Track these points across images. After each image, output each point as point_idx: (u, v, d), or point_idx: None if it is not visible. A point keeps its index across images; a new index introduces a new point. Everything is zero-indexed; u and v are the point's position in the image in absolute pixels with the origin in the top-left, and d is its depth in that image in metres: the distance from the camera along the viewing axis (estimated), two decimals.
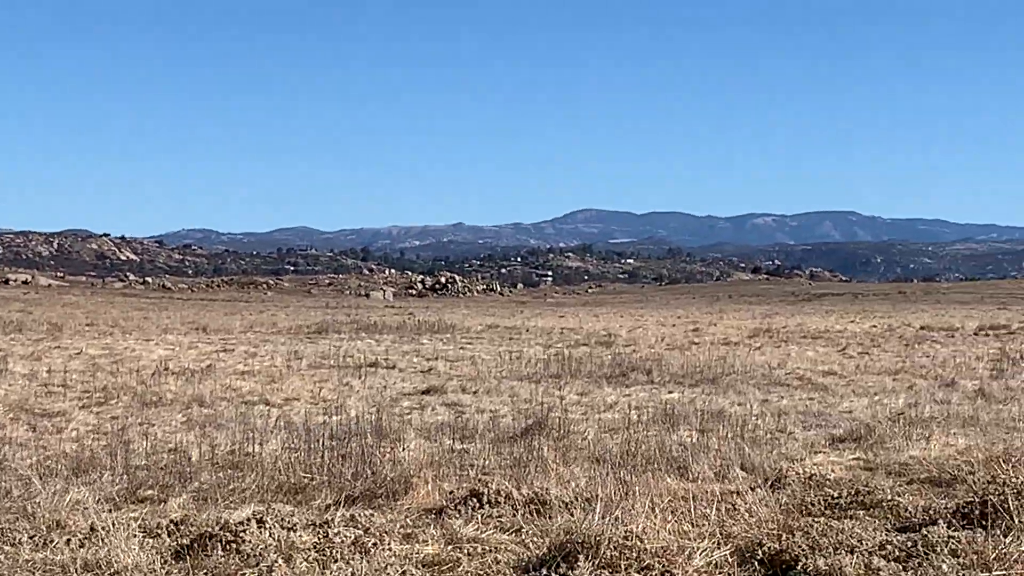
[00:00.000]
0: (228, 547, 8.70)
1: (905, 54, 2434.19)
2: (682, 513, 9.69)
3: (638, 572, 8.07)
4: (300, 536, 8.93)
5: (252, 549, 8.63)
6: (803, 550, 8.47)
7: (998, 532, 8.83)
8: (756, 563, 8.50)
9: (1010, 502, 9.29)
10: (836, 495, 10.56)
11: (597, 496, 10.02)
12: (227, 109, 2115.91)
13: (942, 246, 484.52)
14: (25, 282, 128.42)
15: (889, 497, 10.40)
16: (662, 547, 8.35)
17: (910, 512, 9.97)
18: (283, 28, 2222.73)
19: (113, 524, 9.29)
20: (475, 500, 10.34)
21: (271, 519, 9.19)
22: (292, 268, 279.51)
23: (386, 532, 9.23)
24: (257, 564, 8.35)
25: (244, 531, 8.89)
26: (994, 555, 8.27)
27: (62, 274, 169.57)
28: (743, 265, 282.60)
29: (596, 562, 8.13)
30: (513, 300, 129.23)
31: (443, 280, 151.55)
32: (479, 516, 9.97)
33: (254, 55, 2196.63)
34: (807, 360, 30.68)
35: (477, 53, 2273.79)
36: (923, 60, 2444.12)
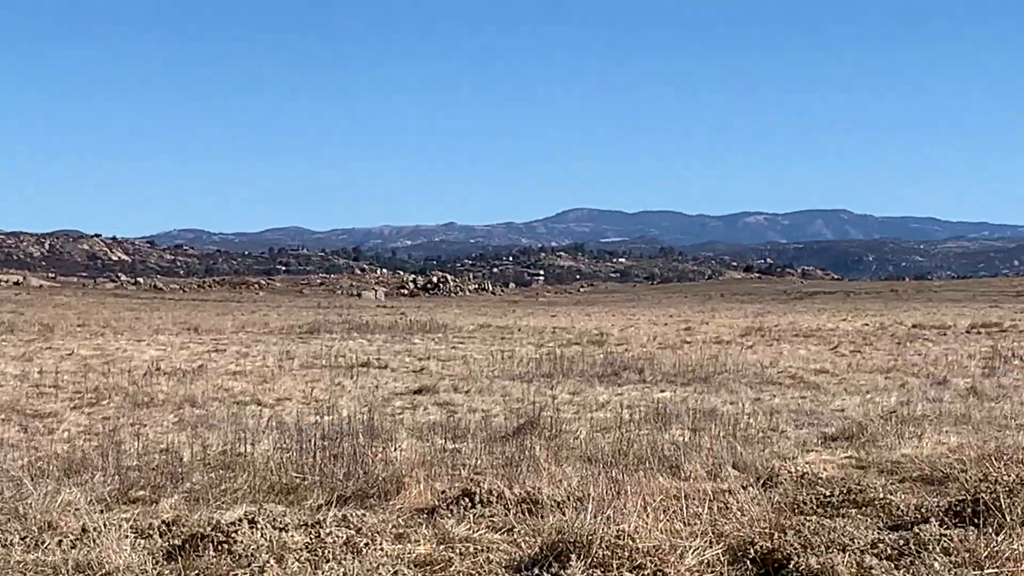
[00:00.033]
0: (220, 548, 8.69)
1: (897, 53, 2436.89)
2: (674, 512, 9.69)
3: (630, 571, 8.07)
4: (292, 536, 8.92)
5: (244, 549, 8.62)
6: (795, 549, 8.47)
7: (990, 530, 8.84)
8: (748, 562, 8.50)
9: (1002, 500, 9.30)
10: (828, 493, 10.57)
11: (589, 495, 10.01)
12: (218, 109, 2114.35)
13: (934, 244, 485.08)
14: (16, 283, 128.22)
15: (881, 495, 10.41)
16: (654, 546, 8.35)
17: (902, 510, 9.98)
18: (270, 29, 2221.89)
19: (105, 525, 9.27)
20: (467, 500, 10.33)
21: (263, 519, 9.19)
22: (284, 268, 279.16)
23: (378, 532, 9.22)
24: (249, 564, 8.34)
25: (236, 531, 8.88)
26: (986, 553, 8.27)
27: (53, 275, 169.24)
28: (735, 264, 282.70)
29: (588, 561, 8.13)
30: (505, 299, 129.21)
31: (435, 280, 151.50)
32: (471, 516, 9.96)
33: (243, 55, 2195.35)
34: (799, 358, 30.70)
35: (469, 52, 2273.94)
36: (915, 59, 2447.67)
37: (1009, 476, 10.23)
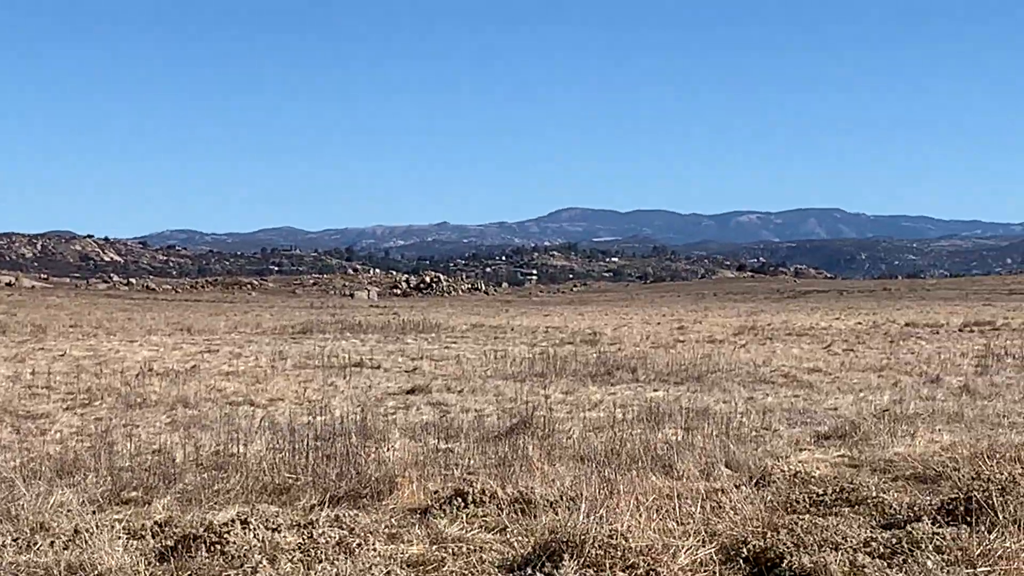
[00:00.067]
0: (212, 548, 8.68)
1: (890, 53, 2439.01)
2: (667, 511, 9.69)
3: (623, 571, 8.06)
4: (284, 537, 8.91)
5: (236, 550, 8.60)
6: (788, 548, 8.47)
7: (983, 528, 8.84)
8: (741, 561, 8.50)
9: (994, 498, 9.31)
10: (821, 492, 10.57)
11: (582, 495, 10.01)
12: (209, 110, 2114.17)
13: (927, 243, 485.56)
14: (9, 284, 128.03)
15: (874, 494, 10.41)
16: (647, 545, 8.34)
17: (895, 509, 9.98)
18: (262, 29, 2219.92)
19: (97, 526, 9.25)
20: (460, 500, 10.33)
21: (255, 520, 9.17)
22: (276, 268, 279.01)
23: (371, 532, 9.21)
24: (241, 565, 8.33)
25: (228, 532, 8.86)
26: (979, 551, 8.28)
27: (46, 276, 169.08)
28: (728, 263, 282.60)
29: (581, 561, 8.12)
30: (498, 299, 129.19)
31: (428, 279, 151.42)
32: (464, 516, 9.96)
33: (238, 56, 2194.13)
34: (792, 357, 30.70)
35: (463, 53, 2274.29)
36: (908, 59, 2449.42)
37: (1002, 474, 10.23)
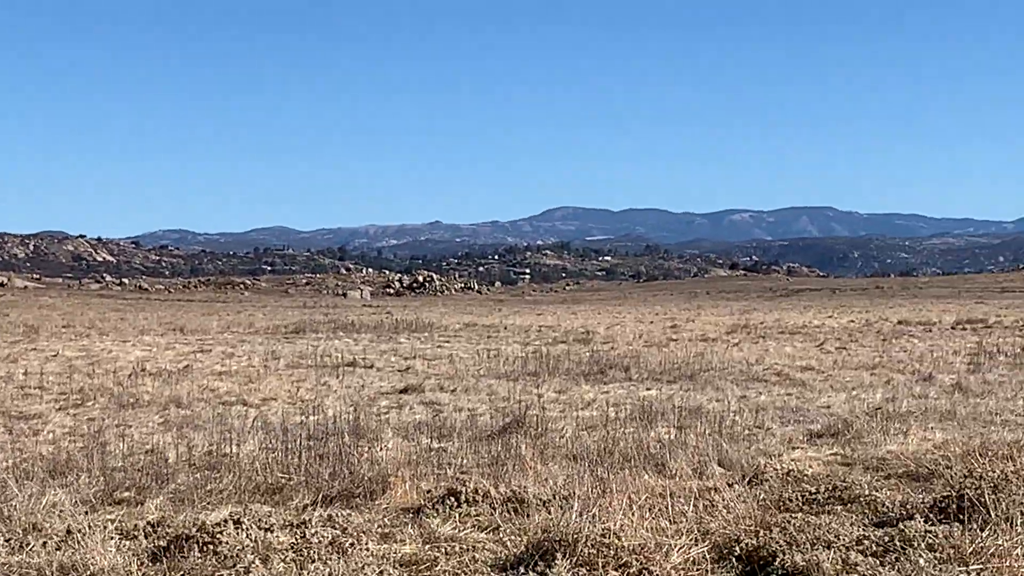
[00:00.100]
0: (205, 548, 8.67)
1: (882, 51, 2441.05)
2: (660, 510, 9.69)
3: (615, 570, 8.07)
4: (277, 537, 8.91)
5: (229, 550, 8.60)
6: (781, 546, 8.48)
7: (975, 526, 8.85)
8: (734, 559, 8.51)
9: (987, 496, 9.32)
10: (814, 491, 10.58)
11: (575, 494, 10.02)
12: (200, 110, 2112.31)
13: (919, 241, 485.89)
14: (1, 284, 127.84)
15: (866, 492, 10.42)
16: (639, 544, 8.35)
17: (887, 507, 9.99)
18: (251, 29, 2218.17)
19: (89, 526, 9.25)
20: (453, 499, 10.33)
21: (248, 520, 9.17)
22: (269, 268, 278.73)
23: (364, 532, 9.21)
24: (234, 565, 8.33)
25: (221, 532, 8.86)
26: (971, 549, 8.29)
27: (38, 276, 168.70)
28: (721, 261, 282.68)
29: (574, 560, 8.13)
30: (491, 298, 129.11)
31: (421, 279, 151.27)
32: (457, 515, 9.96)
33: (228, 56, 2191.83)
34: (785, 356, 30.72)
35: (455, 52, 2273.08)
36: (899, 57, 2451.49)
37: (994, 472, 10.26)
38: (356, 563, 8.42)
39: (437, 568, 8.53)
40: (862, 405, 19.30)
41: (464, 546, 8.99)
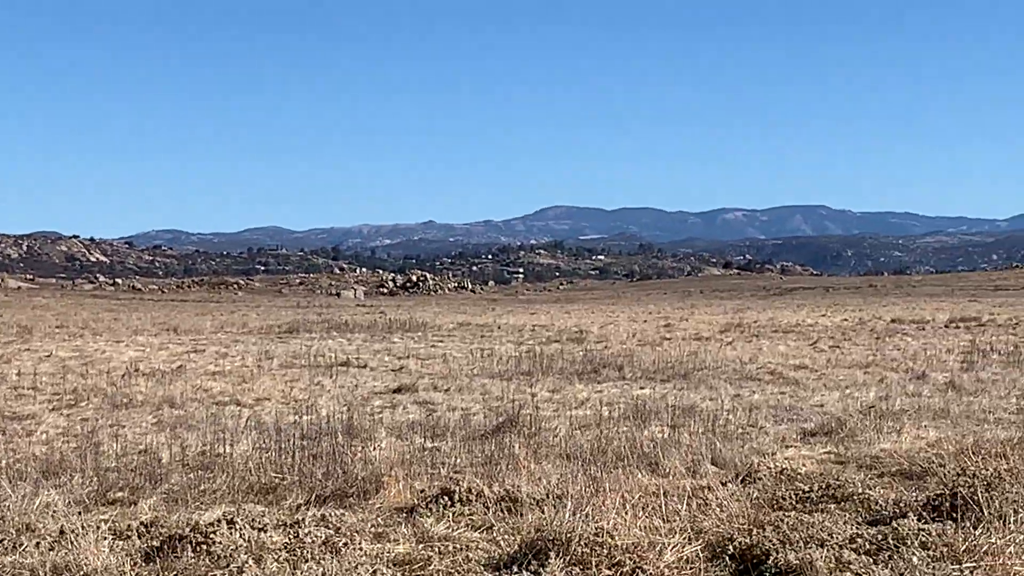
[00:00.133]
0: (198, 548, 8.66)
1: (875, 50, 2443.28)
2: (653, 509, 9.69)
3: (609, 568, 8.07)
4: (271, 536, 8.90)
5: (222, 550, 8.59)
6: (774, 544, 8.48)
7: (968, 524, 8.86)
8: (727, 558, 8.51)
9: (980, 494, 9.32)
10: (807, 489, 10.58)
11: (568, 493, 10.02)
12: (193, 110, 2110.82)
13: (912, 239, 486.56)
14: None
15: (860, 490, 10.43)
16: (633, 543, 8.35)
17: (881, 505, 9.99)
18: (245, 29, 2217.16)
19: (83, 527, 9.24)
20: (446, 498, 10.32)
21: (242, 520, 9.16)
22: (263, 268, 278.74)
23: (357, 531, 9.20)
24: (227, 565, 8.32)
25: (214, 532, 8.85)
26: (964, 547, 8.29)
27: (32, 276, 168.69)
28: (714, 260, 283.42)
29: (567, 559, 8.13)
30: (484, 297, 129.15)
31: (414, 278, 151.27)
32: (450, 514, 9.96)
33: (226, 56, 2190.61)
34: (778, 354, 30.74)
35: (450, 53, 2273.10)
36: (893, 55, 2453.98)
37: (987, 470, 10.26)
38: (349, 563, 8.42)
39: (431, 567, 8.52)
40: (855, 403, 19.31)
41: (458, 545, 8.99)
